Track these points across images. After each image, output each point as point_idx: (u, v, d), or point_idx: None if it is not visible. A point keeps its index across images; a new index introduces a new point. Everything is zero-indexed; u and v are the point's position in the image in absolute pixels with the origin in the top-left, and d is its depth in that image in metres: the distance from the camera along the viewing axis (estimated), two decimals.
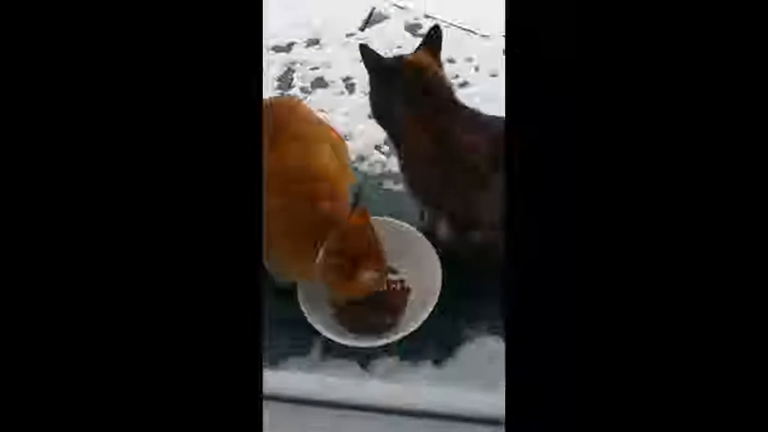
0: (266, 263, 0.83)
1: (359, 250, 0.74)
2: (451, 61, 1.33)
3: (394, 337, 0.77)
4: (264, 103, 0.90)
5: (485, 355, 0.80)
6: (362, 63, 0.83)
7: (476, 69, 1.30)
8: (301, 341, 0.83)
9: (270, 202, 0.75)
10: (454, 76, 1.28)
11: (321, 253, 0.75)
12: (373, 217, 0.86)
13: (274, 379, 0.74)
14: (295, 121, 0.86)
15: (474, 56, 1.33)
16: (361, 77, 1.31)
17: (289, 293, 0.83)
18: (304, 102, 0.98)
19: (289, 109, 0.89)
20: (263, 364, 0.75)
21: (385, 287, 0.87)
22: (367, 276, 0.72)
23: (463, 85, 1.27)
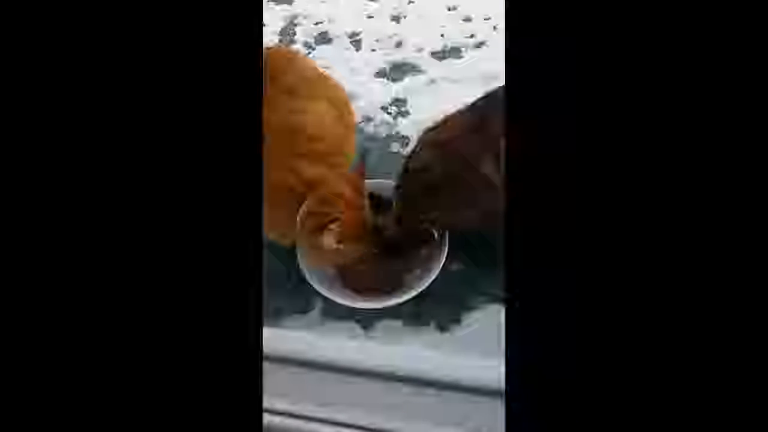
0: None
1: (334, 216, 0.76)
2: (467, 19, 1.36)
3: (397, 301, 0.81)
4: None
5: (493, 324, 0.84)
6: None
7: (494, 28, 1.33)
8: (301, 301, 0.87)
9: None
10: (470, 35, 1.31)
11: (299, 215, 0.78)
12: (376, 180, 0.90)
13: (271, 338, 0.78)
14: (290, 74, 0.88)
15: (492, 15, 1.35)
16: (368, 32, 1.34)
17: (289, 251, 0.87)
18: (303, 54, 1.00)
19: (286, 60, 0.91)
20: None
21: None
22: (327, 242, 0.75)
23: (480, 45, 1.29)
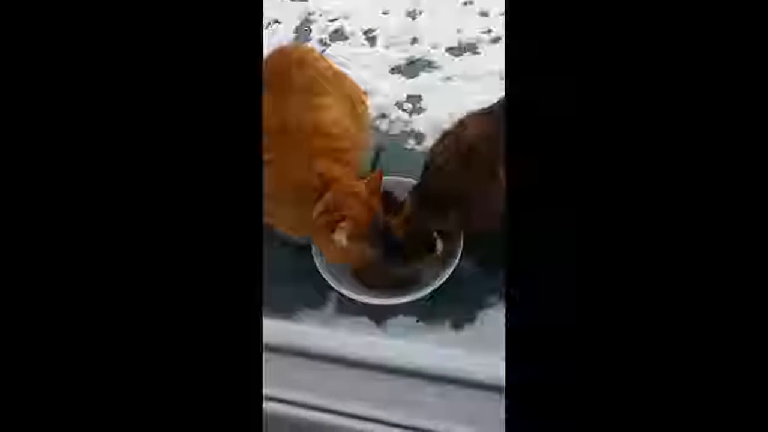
0: (270, 219, 0.88)
1: (348, 214, 0.78)
2: (483, 14, 1.36)
3: (412, 297, 0.83)
4: (271, 51, 0.94)
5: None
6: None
7: None
8: (317, 296, 0.89)
9: (266, 156, 0.79)
10: (487, 30, 1.32)
11: (314, 212, 0.80)
12: (394, 178, 0.92)
13: (283, 332, 0.80)
14: (305, 72, 0.89)
15: None
16: (384, 29, 1.35)
17: (307, 248, 0.89)
18: (317, 52, 1.01)
19: (298, 58, 0.92)
20: (273, 315, 0.82)
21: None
22: (338, 240, 0.77)
23: (496, 40, 1.30)
